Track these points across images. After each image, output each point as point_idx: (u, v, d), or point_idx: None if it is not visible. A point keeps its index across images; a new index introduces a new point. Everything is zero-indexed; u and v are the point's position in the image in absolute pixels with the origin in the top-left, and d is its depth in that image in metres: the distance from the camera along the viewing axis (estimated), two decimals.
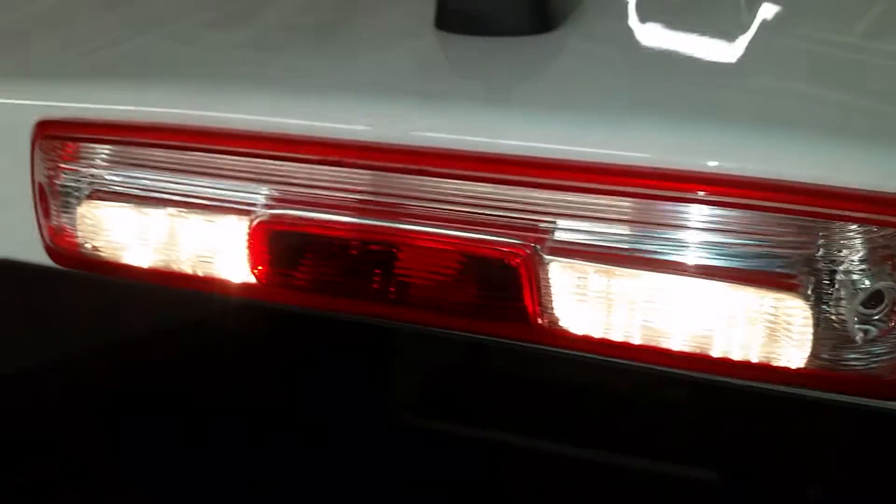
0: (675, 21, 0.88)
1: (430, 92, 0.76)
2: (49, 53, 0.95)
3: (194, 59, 0.90)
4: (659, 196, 0.65)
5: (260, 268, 0.76)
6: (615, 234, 0.66)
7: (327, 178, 0.74)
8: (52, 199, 0.85)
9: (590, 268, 0.66)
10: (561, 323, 0.68)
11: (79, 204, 0.84)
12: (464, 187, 0.70)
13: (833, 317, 0.61)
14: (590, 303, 0.67)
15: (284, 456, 0.84)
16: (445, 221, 0.70)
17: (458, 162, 0.70)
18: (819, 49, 0.84)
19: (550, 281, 0.67)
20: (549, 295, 0.67)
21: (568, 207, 0.67)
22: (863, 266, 0.61)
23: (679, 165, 0.65)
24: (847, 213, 0.61)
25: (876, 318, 0.61)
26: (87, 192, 0.83)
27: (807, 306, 0.61)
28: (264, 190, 0.76)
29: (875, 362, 0.61)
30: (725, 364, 0.64)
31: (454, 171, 0.70)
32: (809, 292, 0.61)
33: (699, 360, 0.65)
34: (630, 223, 0.66)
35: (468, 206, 0.70)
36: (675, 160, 0.65)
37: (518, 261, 0.68)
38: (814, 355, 0.62)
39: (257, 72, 0.85)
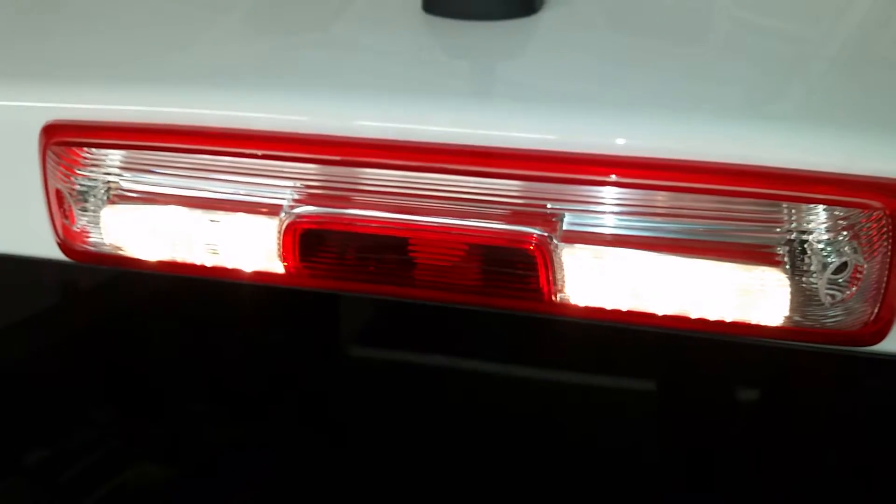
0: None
1: (443, 88, 0.83)
2: (55, 54, 0.97)
3: (203, 58, 0.94)
4: (654, 186, 0.75)
5: (289, 260, 0.84)
6: (617, 221, 0.76)
7: (351, 177, 0.81)
8: (70, 202, 0.90)
9: (597, 251, 0.76)
10: (570, 297, 0.78)
11: (100, 207, 0.89)
12: (480, 182, 0.78)
13: (805, 285, 0.73)
14: (596, 280, 0.77)
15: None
16: (465, 215, 0.79)
17: (473, 158, 0.77)
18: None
19: (562, 262, 0.77)
20: (562, 273, 0.77)
21: (575, 198, 0.77)
22: (829, 240, 0.72)
23: (669, 156, 0.74)
24: (815, 195, 0.72)
25: (841, 284, 0.72)
26: (107, 196, 0.89)
27: (785, 276, 0.73)
28: (291, 190, 0.83)
29: (840, 319, 0.74)
30: (719, 324, 0.76)
31: (472, 168, 0.78)
32: (787, 265, 0.73)
33: (699, 322, 0.76)
34: (630, 211, 0.76)
35: (483, 200, 0.78)
36: (666, 151, 0.74)
37: (533, 247, 0.77)
38: (790, 315, 0.74)
39: (262, 69, 0.89)
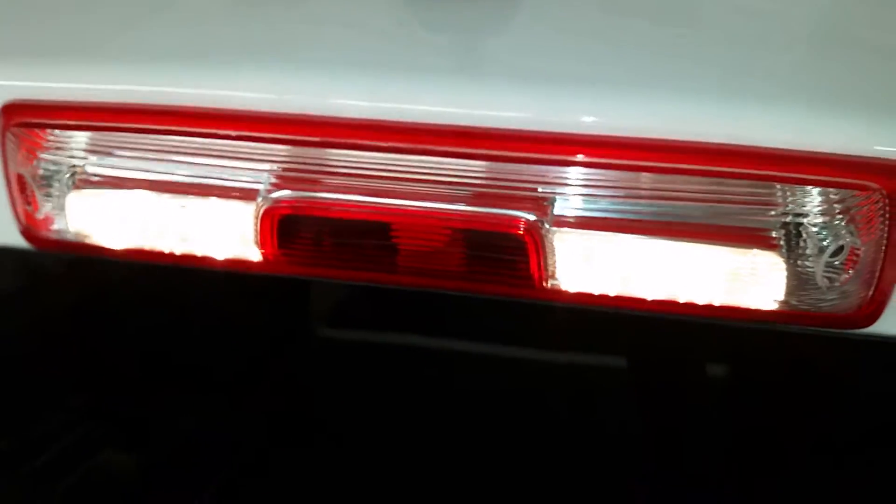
0: None
1: (426, 66, 0.79)
2: (12, 29, 0.92)
3: (171, 34, 0.89)
4: (646, 168, 0.72)
5: (267, 246, 0.80)
6: (608, 204, 0.74)
7: (332, 159, 0.78)
8: (34, 188, 0.85)
9: (588, 235, 0.74)
10: (562, 283, 0.76)
11: (65, 192, 0.84)
12: (466, 164, 0.75)
13: (801, 268, 0.71)
14: (588, 265, 0.75)
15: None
16: (451, 199, 0.76)
17: (460, 139, 0.74)
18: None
19: (553, 247, 0.74)
20: (553, 259, 0.75)
21: (565, 180, 0.74)
22: (825, 223, 0.71)
23: (661, 136, 0.72)
24: (810, 176, 0.70)
25: (837, 266, 0.71)
26: (71, 181, 0.84)
27: (781, 260, 0.71)
28: (267, 173, 0.79)
29: (835, 302, 0.72)
30: (712, 308, 0.74)
31: (459, 150, 0.75)
32: (783, 248, 0.71)
33: (692, 306, 0.75)
34: (622, 194, 0.73)
35: (470, 183, 0.76)
36: (658, 132, 0.72)
37: (523, 232, 0.74)
38: (785, 299, 0.73)
39: (238, 45, 0.85)
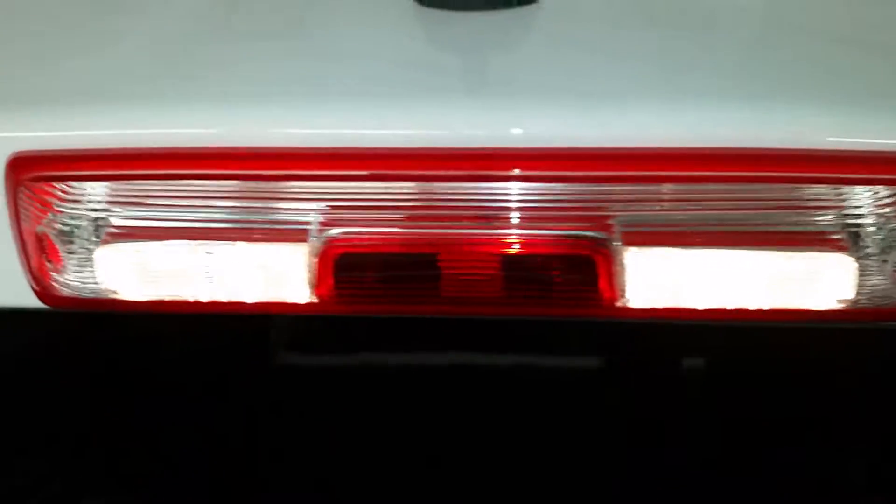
0: None
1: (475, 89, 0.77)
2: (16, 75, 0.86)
3: (190, 72, 0.84)
4: (709, 178, 0.73)
5: (322, 287, 0.77)
6: (674, 217, 0.74)
7: (383, 191, 0.75)
8: (56, 244, 0.79)
9: (656, 250, 0.74)
10: (634, 299, 0.75)
11: (91, 247, 0.79)
12: (525, 187, 0.74)
13: (869, 266, 0.73)
14: (659, 279, 0.75)
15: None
16: (513, 225, 0.74)
17: (519, 162, 0.73)
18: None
19: (623, 265, 0.74)
20: (623, 277, 0.74)
21: (628, 197, 0.74)
22: (884, 220, 0.72)
23: (722, 144, 0.72)
24: (873, 175, 0.72)
25: None
26: (97, 234, 0.79)
27: (849, 259, 0.73)
28: (314, 212, 0.76)
29: None
30: (786, 312, 0.75)
31: (517, 173, 0.73)
32: (850, 248, 0.72)
33: (766, 312, 0.75)
34: (686, 206, 0.73)
35: (533, 206, 0.74)
36: (719, 140, 0.72)
37: (592, 252, 0.73)
38: (856, 298, 0.74)
39: (268, 80, 0.81)
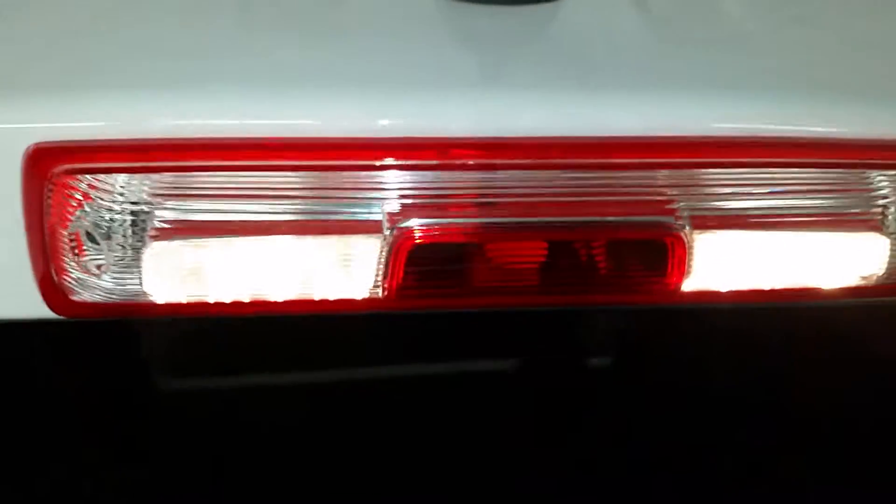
0: None
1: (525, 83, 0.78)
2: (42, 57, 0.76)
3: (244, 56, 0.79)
4: (766, 164, 0.77)
5: (391, 282, 0.74)
6: (737, 202, 0.77)
7: (452, 181, 0.74)
8: (90, 243, 0.72)
9: (723, 235, 0.77)
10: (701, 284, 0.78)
11: (138, 246, 0.72)
12: (594, 175, 0.75)
13: None
14: (725, 263, 0.78)
15: None
16: (590, 212, 0.75)
17: (588, 151, 0.74)
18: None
19: (693, 250, 0.76)
20: (692, 261, 0.77)
21: (693, 183, 0.76)
22: None
23: (775, 133, 0.76)
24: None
25: None
26: (142, 231, 0.72)
27: (887, 240, 0.79)
28: (386, 202, 0.73)
29: None
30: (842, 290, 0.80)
31: (587, 161, 0.74)
32: (887, 229, 0.79)
33: (800, 292, 0.80)
34: (747, 191, 0.77)
35: (604, 193, 0.75)
36: (770, 129, 0.76)
37: (667, 237, 0.75)
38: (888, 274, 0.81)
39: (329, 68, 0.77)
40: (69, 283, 0.74)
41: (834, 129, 0.77)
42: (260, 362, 0.98)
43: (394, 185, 0.73)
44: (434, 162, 0.73)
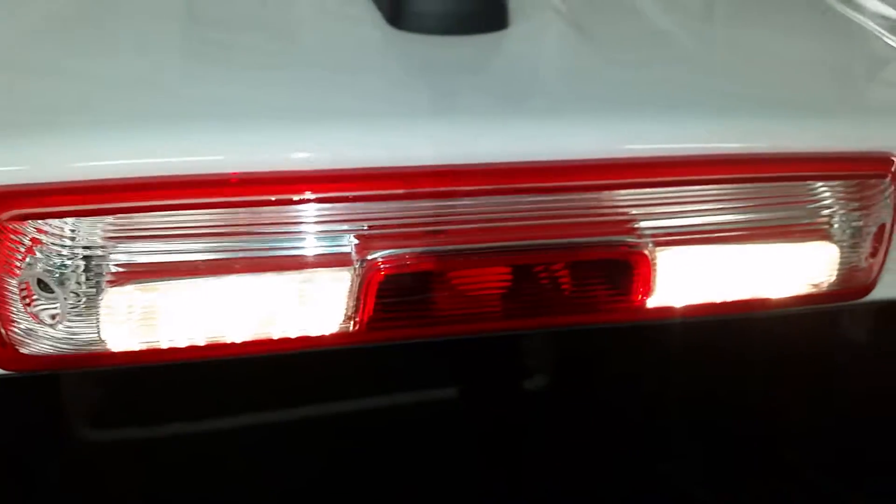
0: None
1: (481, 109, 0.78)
2: None
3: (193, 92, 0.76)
4: (724, 180, 0.79)
5: (362, 315, 0.73)
6: (692, 219, 0.78)
7: (417, 210, 0.73)
8: (37, 292, 0.68)
9: (683, 250, 0.78)
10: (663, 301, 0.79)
11: (93, 292, 0.69)
12: (555, 199, 0.76)
13: (851, 252, 0.83)
14: (685, 279, 0.79)
15: None
16: (552, 235, 0.75)
17: (550, 175, 0.74)
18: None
19: (656, 268, 0.77)
20: (655, 279, 0.78)
21: (652, 201, 0.78)
22: (857, 211, 0.83)
23: (726, 150, 0.78)
24: (837, 172, 0.82)
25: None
26: (97, 277, 0.69)
27: (837, 248, 0.82)
28: (353, 234, 0.72)
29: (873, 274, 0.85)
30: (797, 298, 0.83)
31: (549, 185, 0.75)
32: (836, 238, 0.82)
33: (757, 303, 0.82)
34: (703, 208, 0.79)
35: (565, 216, 0.76)
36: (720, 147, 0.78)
37: (628, 255, 0.76)
38: (838, 280, 0.83)
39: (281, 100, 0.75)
40: (16, 335, 0.69)
41: (779, 144, 0.80)
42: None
43: (359, 216, 0.72)
44: (400, 191, 0.72)
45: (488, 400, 0.97)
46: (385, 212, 0.72)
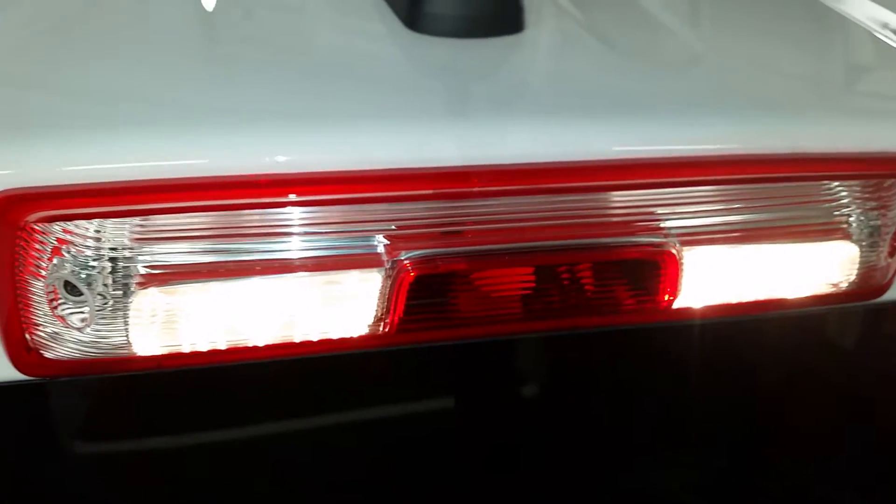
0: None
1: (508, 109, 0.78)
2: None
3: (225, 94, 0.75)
4: (747, 180, 0.79)
5: (393, 316, 0.72)
6: (721, 218, 0.79)
7: (447, 210, 0.73)
8: (67, 295, 0.67)
9: (711, 250, 0.79)
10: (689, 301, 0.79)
11: (121, 296, 0.67)
12: (583, 199, 0.76)
13: (870, 252, 0.83)
14: (712, 279, 0.79)
15: None
16: (580, 235, 0.75)
17: (579, 175, 0.74)
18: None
19: (682, 267, 0.77)
20: (683, 279, 0.78)
21: (679, 202, 0.78)
22: (875, 210, 0.83)
23: (750, 151, 0.79)
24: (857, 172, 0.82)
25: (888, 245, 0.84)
26: (125, 280, 0.67)
27: (856, 248, 0.83)
28: (382, 234, 0.71)
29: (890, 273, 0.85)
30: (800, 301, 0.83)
31: (577, 185, 0.75)
32: (855, 237, 0.82)
33: (777, 303, 0.83)
34: (729, 207, 0.79)
35: (593, 216, 0.76)
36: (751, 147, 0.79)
37: (659, 256, 0.76)
38: (856, 281, 0.84)
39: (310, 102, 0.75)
40: (41, 339, 0.68)
41: (799, 145, 0.80)
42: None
43: (391, 217, 0.71)
44: (428, 192, 0.71)
45: (502, 405, 0.96)
46: (414, 212, 0.72)
